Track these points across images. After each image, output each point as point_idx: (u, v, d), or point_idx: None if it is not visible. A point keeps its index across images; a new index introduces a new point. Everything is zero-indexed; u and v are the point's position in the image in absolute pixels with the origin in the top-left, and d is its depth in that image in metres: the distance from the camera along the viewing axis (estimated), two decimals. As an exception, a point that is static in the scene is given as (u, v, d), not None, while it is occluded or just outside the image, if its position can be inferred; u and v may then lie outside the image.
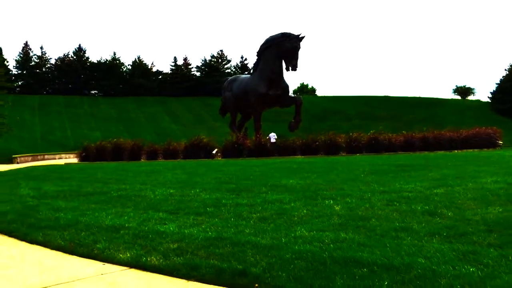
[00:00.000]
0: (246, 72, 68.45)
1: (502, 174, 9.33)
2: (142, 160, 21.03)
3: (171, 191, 9.20)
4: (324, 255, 4.33)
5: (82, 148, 22.60)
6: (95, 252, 5.08)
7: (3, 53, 48.48)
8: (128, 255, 4.81)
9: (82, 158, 22.27)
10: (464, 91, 79.43)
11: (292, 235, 5.16)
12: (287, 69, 25.28)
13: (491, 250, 4.31)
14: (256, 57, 27.31)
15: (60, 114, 53.28)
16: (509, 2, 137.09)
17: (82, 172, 14.10)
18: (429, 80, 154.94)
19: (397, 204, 6.68)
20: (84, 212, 7.34)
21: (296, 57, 24.66)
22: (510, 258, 3.98)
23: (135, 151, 21.08)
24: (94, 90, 65.44)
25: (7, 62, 36.87)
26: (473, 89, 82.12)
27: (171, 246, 5.00)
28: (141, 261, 4.63)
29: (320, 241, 4.85)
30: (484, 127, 25.52)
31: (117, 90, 64.29)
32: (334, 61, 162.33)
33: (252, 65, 34.46)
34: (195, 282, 4.07)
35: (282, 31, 25.83)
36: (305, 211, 6.56)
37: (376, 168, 11.82)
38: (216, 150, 21.14)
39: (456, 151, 20.78)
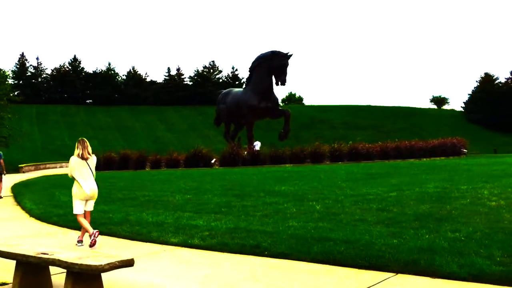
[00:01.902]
0: (237, 83, 71.42)
1: (445, 180, 11.96)
2: (147, 169, 23.30)
3: (188, 196, 11.56)
4: (307, 236, 6.76)
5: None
6: (153, 238, 7.44)
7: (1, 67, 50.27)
8: (177, 239, 7.19)
9: (90, 168, 24.42)
10: (439, 100, 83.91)
11: (286, 225, 7.58)
12: (277, 84, 27.96)
13: (411, 230, 6.78)
14: (248, 73, 29.92)
15: (58, 123, 55.04)
16: (481, 18, 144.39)
17: (103, 180, 16.31)
18: (408, 90, 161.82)
19: (361, 204, 9.17)
20: (128, 213, 9.66)
21: (285, 73, 27.35)
22: (419, 234, 6.49)
23: (140, 161, 23.37)
24: (90, 99, 67.47)
25: (8, 74, 38.57)
26: (448, 99, 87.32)
27: (205, 233, 7.38)
28: (188, 242, 7.01)
29: (305, 228, 7.28)
30: (450, 138, 28.46)
31: (112, 100, 66.47)
32: (320, 71, 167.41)
33: (245, 78, 37.09)
34: (226, 253, 6.47)
35: (272, 49, 28.52)
36: (294, 209, 9.00)
37: (351, 176, 14.39)
38: (214, 160, 23.53)
39: (424, 159, 23.54)
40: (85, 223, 7.14)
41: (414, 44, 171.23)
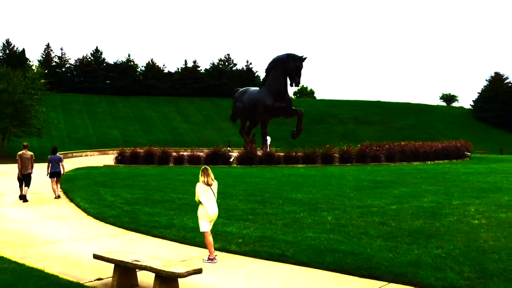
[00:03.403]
0: (251, 76, 73.17)
1: (441, 193, 13.67)
2: (171, 164, 25.27)
3: (218, 201, 13.37)
4: (321, 247, 8.52)
5: (118, 152, 26.88)
6: (197, 243, 9.22)
7: (25, 53, 52.43)
8: (217, 245, 8.93)
9: (117, 161, 26.37)
10: (449, 98, 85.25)
11: (304, 235, 9.31)
12: (291, 85, 29.66)
13: (405, 245, 8.50)
14: (265, 73, 31.62)
15: (81, 113, 57.33)
16: (494, 17, 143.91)
17: (136, 179, 18.18)
18: (418, 86, 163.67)
19: (365, 217, 10.91)
20: (171, 217, 11.47)
21: (299, 75, 28.97)
22: (410, 249, 8.21)
23: (164, 157, 25.35)
24: (110, 89, 69.91)
25: (42, 70, 40.69)
26: (457, 96, 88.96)
27: (239, 240, 9.17)
28: (226, 248, 8.80)
29: (319, 239, 9.04)
30: (454, 141, 29.94)
31: (131, 90, 68.76)
32: (332, 65, 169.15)
33: (259, 72, 38.25)
34: (258, 259, 8.23)
35: (288, 52, 30.13)
36: (310, 220, 10.76)
37: (358, 184, 16.14)
38: (232, 158, 25.44)
39: (429, 162, 25.16)
40: (210, 244, 7.94)
41: (425, 41, 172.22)
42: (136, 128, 55.37)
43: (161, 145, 29.47)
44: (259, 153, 26.16)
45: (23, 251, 8.52)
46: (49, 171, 15.18)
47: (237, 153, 26.37)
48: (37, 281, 6.57)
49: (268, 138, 31.41)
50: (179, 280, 6.32)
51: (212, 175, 8.02)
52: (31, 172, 14.68)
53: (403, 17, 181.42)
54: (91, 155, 38.02)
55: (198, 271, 6.21)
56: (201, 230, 8.03)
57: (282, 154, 25.72)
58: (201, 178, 7.96)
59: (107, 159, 31.43)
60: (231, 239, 9.29)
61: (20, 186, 14.45)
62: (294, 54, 29.61)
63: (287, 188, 15.35)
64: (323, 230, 9.73)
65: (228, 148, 30.74)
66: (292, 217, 11.01)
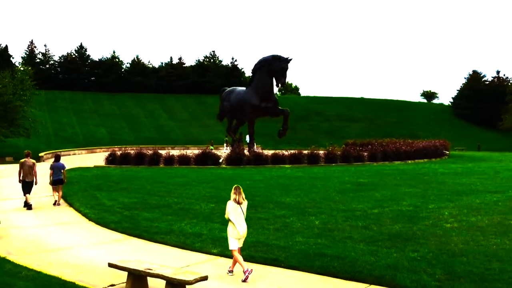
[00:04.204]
0: (236, 73, 73.74)
1: (419, 196, 14.76)
2: (161, 165, 25.94)
3: (212, 205, 14.16)
4: (310, 251, 9.44)
5: (109, 152, 27.44)
6: (197, 248, 10.10)
7: (8, 50, 51.86)
8: (217, 250, 9.76)
9: (108, 162, 26.88)
10: (429, 95, 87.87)
11: (294, 240, 10.19)
12: (277, 86, 30.70)
13: (384, 249, 9.49)
14: (251, 74, 32.46)
15: (67, 110, 57.09)
16: (474, 15, 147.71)
17: (130, 182, 18.75)
18: (400, 83, 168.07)
19: (350, 221, 11.88)
20: (170, 223, 12.21)
21: (284, 76, 29.96)
22: (389, 253, 9.19)
23: (154, 158, 26.00)
24: (95, 86, 69.68)
25: (30, 70, 40.59)
26: (437, 93, 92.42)
27: None
28: (225, 253, 9.58)
29: (308, 244, 9.94)
30: (433, 140, 31.41)
31: (116, 87, 68.65)
32: (316, 62, 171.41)
33: (244, 69, 38.91)
34: (254, 264, 9.08)
35: (273, 54, 31.02)
36: (299, 224, 11.67)
37: (343, 186, 17.15)
38: (221, 159, 26.26)
39: (409, 161, 26.44)
40: (240, 258, 8.06)
41: (406, 39, 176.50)
42: (123, 125, 55.54)
43: (148, 143, 30.12)
44: (247, 152, 27.04)
45: (37, 258, 9.18)
46: (51, 179, 15.43)
47: (223, 151, 27.19)
48: (58, 288, 7.30)
49: (247, 137, 32.35)
50: (187, 286, 7.15)
51: (243, 194, 8.18)
52: (33, 180, 14.86)
53: (385, 15, 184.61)
54: (79, 154, 38.30)
55: (205, 278, 7.05)
56: (230, 248, 8.16)
57: (270, 154, 26.61)
58: (233, 196, 8.14)
59: (95, 158, 31.83)
60: (227, 244, 10.10)
61: (24, 190, 14.74)
62: (279, 56, 30.52)
63: (276, 192, 16.23)
64: (311, 234, 10.62)
65: (211, 147, 31.55)
66: (283, 222, 11.88)
